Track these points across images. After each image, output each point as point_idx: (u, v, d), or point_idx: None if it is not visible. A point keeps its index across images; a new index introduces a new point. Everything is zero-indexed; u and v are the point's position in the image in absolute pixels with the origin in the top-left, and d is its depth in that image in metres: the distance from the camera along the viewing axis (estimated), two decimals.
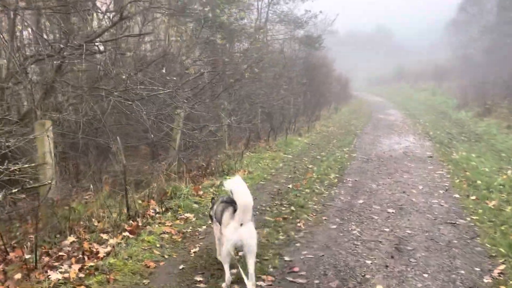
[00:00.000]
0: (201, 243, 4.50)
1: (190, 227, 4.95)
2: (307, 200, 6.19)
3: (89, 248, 4.13)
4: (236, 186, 3.48)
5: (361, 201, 6.31)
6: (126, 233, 4.48)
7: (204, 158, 7.82)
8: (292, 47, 22.36)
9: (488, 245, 4.63)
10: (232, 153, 9.35)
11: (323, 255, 4.29)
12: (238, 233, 3.37)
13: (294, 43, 22.68)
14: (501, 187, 7.06)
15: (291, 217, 5.46)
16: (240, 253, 3.87)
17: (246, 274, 3.36)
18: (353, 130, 15.81)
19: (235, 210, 3.41)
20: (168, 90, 5.62)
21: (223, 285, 3.52)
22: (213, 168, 7.39)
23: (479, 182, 7.35)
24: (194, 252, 4.25)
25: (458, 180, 7.63)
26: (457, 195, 6.68)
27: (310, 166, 8.72)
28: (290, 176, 7.83)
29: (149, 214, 5.09)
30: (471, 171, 8.31)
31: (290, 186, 7.00)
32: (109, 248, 4.14)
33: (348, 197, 6.56)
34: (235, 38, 12.20)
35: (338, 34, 45.69)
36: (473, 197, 6.50)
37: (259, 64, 11.07)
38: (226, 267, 3.52)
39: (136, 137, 6.26)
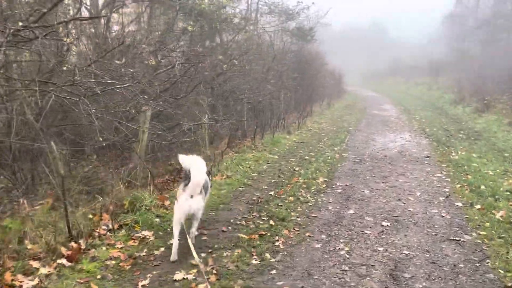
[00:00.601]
0: (154, 272, 3.69)
1: (145, 250, 4.13)
2: (290, 211, 5.39)
3: (11, 281, 3.32)
4: (193, 165, 4.07)
5: (351, 212, 5.52)
6: (63, 260, 3.66)
7: (177, 161, 6.98)
8: (284, 40, 21.54)
9: (501, 271, 3.86)
10: (213, 154, 8.55)
11: None
12: (188, 203, 4.03)
13: (285, 35, 21.87)
14: (508, 193, 6.31)
15: (269, 234, 4.66)
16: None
17: (188, 232, 4.02)
18: (345, 127, 15.03)
19: (186, 185, 4.03)
20: (126, 85, 4.79)
21: (172, 255, 3.98)
22: None
23: (483, 187, 6.59)
24: (143, 286, 3.44)
25: (459, 185, 6.87)
26: (459, 204, 5.91)
27: (297, 168, 7.92)
28: (273, 180, 7.02)
29: (98, 233, 4.27)
30: (473, 174, 7.55)
31: (272, 193, 6.20)
32: (36, 281, 3.33)
33: (337, 206, 5.77)
34: (218, 28, 11.34)
35: (332, 27, 44.89)
36: (478, 206, 5.73)
37: (243, 57, 10.24)
38: (176, 233, 4.03)
39: (92, 139, 5.43)
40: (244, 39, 12.24)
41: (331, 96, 25.95)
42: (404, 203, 5.93)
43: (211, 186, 4.88)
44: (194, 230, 4.20)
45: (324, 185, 6.75)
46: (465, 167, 8.14)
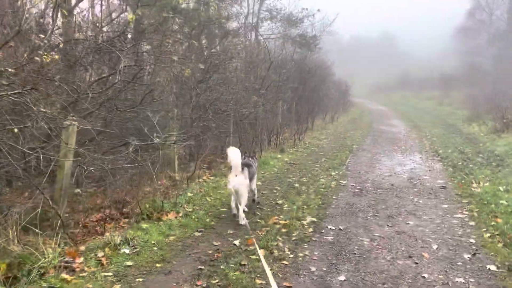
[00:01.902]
0: None
1: None
2: (254, 277, 3.80)
3: None
4: (230, 152, 5.46)
5: (342, 278, 3.92)
6: None
7: (120, 192, 5.44)
8: (286, 48, 20.10)
9: None
10: (183, 179, 7.02)
11: None
12: (233, 180, 5.37)
13: (288, 43, 20.42)
14: None
15: None
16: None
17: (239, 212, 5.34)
18: (348, 144, 13.43)
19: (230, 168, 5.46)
20: (15, 92, 3.28)
21: (240, 220, 5.28)
22: (131, 210, 5.01)
23: None
24: None
25: (488, 234, 5.24)
26: (493, 267, 4.29)
27: (280, 202, 6.32)
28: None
29: None
30: (503, 216, 5.91)
31: (238, 242, 4.61)
32: None
33: (324, 266, 4.17)
34: (201, 29, 9.85)
35: (339, 38, 43.51)
36: None
37: (226, 63, 8.75)
38: (233, 204, 5.60)
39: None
40: (233, 44, 10.74)
41: (336, 109, 24.37)
42: (417, 263, 4.32)
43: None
44: (241, 209, 5.35)
45: (311, 229, 5.15)
46: (492, 205, 6.48)
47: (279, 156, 10.17)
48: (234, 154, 5.39)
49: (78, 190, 6.02)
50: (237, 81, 10.60)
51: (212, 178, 7.50)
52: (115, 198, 5.46)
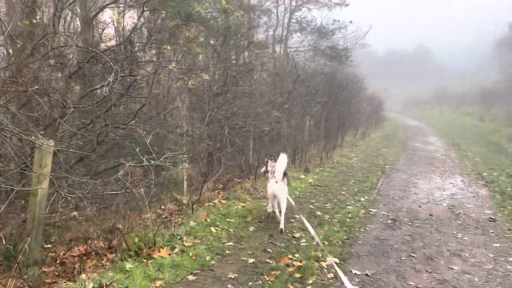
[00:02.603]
0: None
1: None
2: None
3: None
4: (279, 159, 5.72)
5: None
6: None
7: (113, 219, 4.73)
8: (315, 61, 19.27)
9: None
10: (190, 203, 6.26)
11: None
12: (274, 186, 5.61)
13: (318, 56, 19.59)
14: None
15: None
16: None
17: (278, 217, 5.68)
18: (380, 164, 12.36)
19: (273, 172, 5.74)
20: None
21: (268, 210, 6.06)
22: (118, 243, 4.27)
23: None
24: None
25: None
26: None
27: (297, 234, 5.43)
28: (251, 261, 4.52)
29: None
30: None
31: None
32: None
33: None
34: (221, 40, 9.17)
35: (373, 50, 42.27)
36: None
37: (245, 76, 8.03)
38: (270, 204, 6.02)
39: None
40: (257, 55, 10.01)
41: (368, 124, 23.21)
42: None
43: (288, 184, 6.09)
44: (282, 214, 5.55)
45: (331, 275, 4.24)
46: None
47: (303, 176, 9.27)
48: (281, 161, 5.67)
49: (75, 213, 5.39)
50: (260, 94, 9.88)
51: (224, 201, 6.70)
52: (105, 227, 4.75)
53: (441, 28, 75.13)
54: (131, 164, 4.43)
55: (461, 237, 5.77)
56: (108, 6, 7.75)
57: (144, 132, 4.47)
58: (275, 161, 5.90)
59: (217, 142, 7.98)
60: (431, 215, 6.85)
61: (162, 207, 5.96)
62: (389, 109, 36.66)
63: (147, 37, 6.36)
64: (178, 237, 4.69)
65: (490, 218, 6.79)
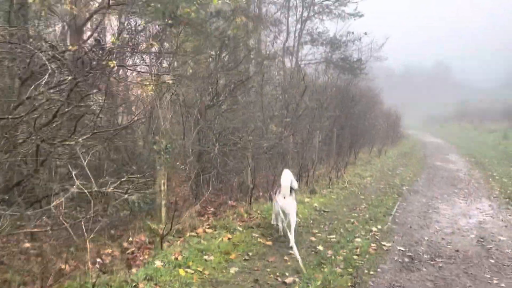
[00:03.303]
0: None
1: None
2: None
3: None
4: (282, 174, 5.62)
5: None
6: None
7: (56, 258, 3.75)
8: (328, 73, 18.30)
9: None
10: (170, 232, 5.27)
11: None
12: (281, 202, 5.53)
13: (331, 68, 18.61)
14: None
15: None
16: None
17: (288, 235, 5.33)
18: (397, 184, 11.18)
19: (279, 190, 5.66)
20: None
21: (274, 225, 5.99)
22: None
23: None
24: None
25: None
26: None
27: (289, 279, 4.34)
28: None
29: None
30: None
31: None
32: None
33: None
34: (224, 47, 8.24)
35: (390, 65, 41.14)
36: None
37: (239, 86, 7.08)
38: (276, 221, 5.90)
39: None
40: (261, 66, 9.04)
41: (384, 141, 21.96)
42: None
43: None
44: (291, 231, 5.35)
45: None
46: None
47: (307, 199, 8.20)
48: (286, 176, 5.57)
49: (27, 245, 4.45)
50: (260, 108, 8.93)
51: (209, 230, 5.69)
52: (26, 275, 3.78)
53: (460, 44, 73.51)
54: (77, 190, 3.48)
55: (497, 283, 4.61)
56: (97, 13, 6.99)
57: (83, 150, 3.51)
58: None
59: (207, 160, 7.01)
60: (457, 251, 5.68)
61: (130, 239, 4.98)
62: (407, 126, 35.32)
63: (123, 40, 5.49)
64: (133, 285, 3.68)
65: None
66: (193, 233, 5.56)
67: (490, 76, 59.65)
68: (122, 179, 3.72)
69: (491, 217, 8.02)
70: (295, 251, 4.82)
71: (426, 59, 72.05)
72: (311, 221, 6.83)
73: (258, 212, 6.80)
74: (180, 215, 5.79)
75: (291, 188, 5.63)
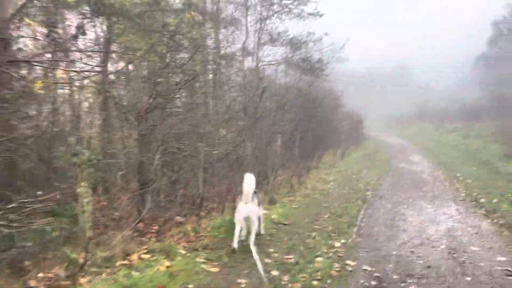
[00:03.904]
0: None
1: None
2: None
3: None
4: (245, 179, 5.38)
5: None
6: None
7: None
8: (288, 75, 17.74)
9: None
10: (94, 262, 4.36)
11: None
12: (244, 208, 5.34)
13: (292, 69, 18.06)
14: None
15: None
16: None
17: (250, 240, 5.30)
18: (361, 189, 10.64)
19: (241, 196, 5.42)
20: None
21: (233, 244, 5.23)
22: None
23: None
24: None
25: None
26: None
27: None
28: None
29: None
30: None
31: None
32: None
33: None
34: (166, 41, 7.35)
35: (351, 67, 41.27)
36: None
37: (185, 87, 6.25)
38: (237, 229, 5.32)
39: None
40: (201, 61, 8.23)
41: (348, 143, 21.65)
42: None
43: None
44: (252, 237, 5.35)
45: None
46: None
47: (265, 211, 7.42)
48: (248, 181, 5.37)
49: None
50: (216, 110, 8.14)
51: (146, 256, 4.80)
52: None
53: (419, 46, 75.44)
54: None
55: None
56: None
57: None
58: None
59: (149, 172, 6.12)
60: (429, 267, 5.06)
61: (41, 274, 4.03)
62: (370, 127, 35.47)
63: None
64: None
65: (507, 270, 5.03)
66: (125, 261, 4.66)
67: (448, 77, 61.40)
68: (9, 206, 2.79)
69: (460, 223, 7.53)
70: (255, 256, 4.42)
71: (387, 62, 73.31)
72: (268, 237, 6.05)
73: (208, 229, 5.96)
74: (110, 239, 4.87)
75: (255, 192, 5.52)
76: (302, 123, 14.48)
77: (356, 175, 13.42)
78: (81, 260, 4.41)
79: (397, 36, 77.06)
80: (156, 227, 6.29)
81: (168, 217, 6.67)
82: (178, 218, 6.67)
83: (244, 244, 5.41)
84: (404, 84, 69.88)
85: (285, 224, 6.83)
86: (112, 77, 6.01)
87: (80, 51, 5.92)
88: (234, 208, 5.76)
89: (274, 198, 8.30)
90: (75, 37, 5.07)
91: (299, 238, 6.08)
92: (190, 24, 7.31)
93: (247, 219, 5.43)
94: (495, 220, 7.60)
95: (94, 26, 5.64)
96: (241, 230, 5.40)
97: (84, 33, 5.26)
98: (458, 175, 13.56)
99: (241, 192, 5.45)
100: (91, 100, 5.57)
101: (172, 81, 6.18)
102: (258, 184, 8.95)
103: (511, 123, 21.65)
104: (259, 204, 5.82)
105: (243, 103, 9.39)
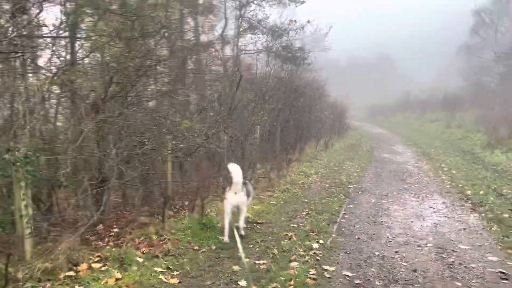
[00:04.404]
0: None
1: None
2: None
3: None
4: (231, 169, 5.31)
5: None
6: None
7: None
8: (270, 64, 17.07)
9: None
10: (33, 275, 3.73)
11: None
12: (233, 198, 5.35)
13: (272, 58, 17.40)
14: None
15: None
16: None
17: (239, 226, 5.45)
18: (344, 182, 10.16)
19: (230, 185, 5.35)
20: None
21: (225, 238, 5.27)
22: None
23: None
24: None
25: None
26: None
27: None
28: None
29: None
30: None
31: None
32: None
33: None
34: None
35: (334, 56, 40.89)
36: None
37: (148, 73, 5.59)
38: (226, 222, 5.31)
39: None
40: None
41: (331, 133, 21.19)
42: None
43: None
44: (241, 223, 5.53)
45: None
46: None
47: None
48: (235, 171, 5.34)
49: None
50: (187, 100, 7.48)
51: (97, 266, 4.19)
52: None
53: (401, 36, 75.50)
54: None
55: None
56: None
57: None
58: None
59: (102, 169, 5.46)
60: (415, 271, 4.57)
61: None
62: (353, 117, 35.18)
63: None
64: None
65: (500, 272, 4.58)
66: (71, 273, 4.03)
67: (429, 66, 61.64)
68: None
69: (446, 217, 7.12)
70: (239, 246, 4.03)
71: (369, 52, 73.19)
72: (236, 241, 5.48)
73: (172, 232, 5.36)
74: (55, 247, 4.23)
75: (244, 183, 5.51)
76: (283, 114, 13.91)
77: (339, 167, 12.95)
78: (18, 274, 3.78)
79: (378, 25, 77.03)
80: (117, 229, 5.67)
81: (131, 218, 6.06)
82: (143, 219, 6.05)
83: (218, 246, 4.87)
84: (386, 74, 70.00)
85: (260, 223, 6.27)
86: (70, 65, 5.33)
87: (38, 37, 5.24)
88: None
89: (250, 193, 7.69)
90: (13, 16, 4.36)
91: (274, 239, 5.53)
92: (153, 5, 6.60)
93: (236, 207, 5.48)
94: (483, 214, 7.22)
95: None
96: (228, 220, 5.32)
97: (24, 12, 4.55)
98: (442, 165, 13.24)
99: (230, 183, 5.41)
100: (47, 89, 4.88)
101: (131, 68, 5.52)
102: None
103: (488, 113, 21.49)
104: (249, 195, 5.83)
105: (218, 92, 8.75)
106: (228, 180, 5.50)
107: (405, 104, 45.70)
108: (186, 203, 6.89)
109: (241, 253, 3.92)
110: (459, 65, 44.37)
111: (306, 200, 8.06)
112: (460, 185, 9.84)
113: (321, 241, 5.45)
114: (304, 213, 6.98)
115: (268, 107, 11.72)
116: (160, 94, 6.04)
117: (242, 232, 5.47)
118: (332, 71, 36.30)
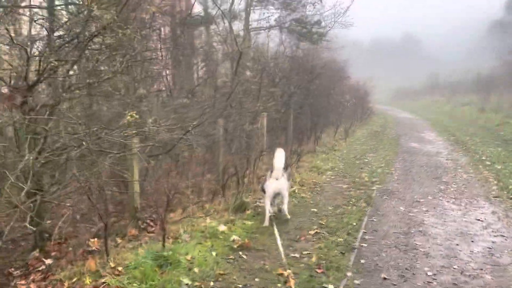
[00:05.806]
0: None
1: None
2: None
3: None
4: (276, 153, 5.61)
5: None
6: None
7: None
8: (282, 41, 15.16)
9: None
10: None
11: None
12: (275, 184, 5.45)
13: (285, 35, 15.48)
14: None
15: None
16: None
17: (283, 210, 5.58)
18: (365, 182, 8.39)
19: (272, 172, 5.54)
20: None
21: (266, 222, 5.36)
22: None
23: None
24: None
25: None
26: None
27: None
28: None
29: None
30: None
31: None
32: None
33: None
34: None
35: (357, 35, 38.36)
36: None
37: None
38: (267, 208, 5.44)
39: None
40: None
41: (352, 119, 19.20)
42: None
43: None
44: (285, 207, 5.61)
45: None
46: None
47: (224, 228, 5.18)
48: (278, 158, 5.53)
49: None
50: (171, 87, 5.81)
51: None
52: None
53: (428, 15, 71.54)
54: None
55: None
56: None
57: None
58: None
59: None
60: None
61: None
62: (377, 101, 32.87)
63: None
64: None
65: None
66: None
67: (459, 45, 58.05)
68: None
69: (503, 236, 5.33)
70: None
71: (393, 32, 69.70)
72: (211, 284, 3.82)
73: (118, 270, 3.76)
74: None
75: (285, 168, 5.63)
76: (296, 98, 12.12)
77: (360, 160, 11.15)
78: None
79: (403, 1, 73.18)
80: (49, 261, 4.15)
81: (76, 244, 4.51)
82: (92, 244, 4.49)
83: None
84: (412, 55, 66.60)
85: (246, 253, 4.58)
86: None
87: None
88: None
89: (244, 204, 6.01)
90: None
91: (262, 283, 3.86)
92: None
93: (277, 195, 5.60)
94: None
95: None
96: (271, 205, 5.46)
97: None
98: (483, 158, 11.26)
99: (270, 169, 5.58)
100: None
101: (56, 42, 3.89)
102: (226, 181, 6.80)
103: None
104: (289, 179, 5.92)
105: (207, 73, 7.05)
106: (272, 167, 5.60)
107: (433, 86, 42.95)
108: (154, 215, 5.33)
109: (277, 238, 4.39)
110: (492, 44, 41.10)
111: (316, 210, 6.34)
112: (511, 186, 7.93)
113: (331, 287, 3.75)
114: (312, 233, 5.27)
115: (275, 91, 9.96)
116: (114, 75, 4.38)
117: (288, 216, 5.60)
118: (354, 51, 33.88)
